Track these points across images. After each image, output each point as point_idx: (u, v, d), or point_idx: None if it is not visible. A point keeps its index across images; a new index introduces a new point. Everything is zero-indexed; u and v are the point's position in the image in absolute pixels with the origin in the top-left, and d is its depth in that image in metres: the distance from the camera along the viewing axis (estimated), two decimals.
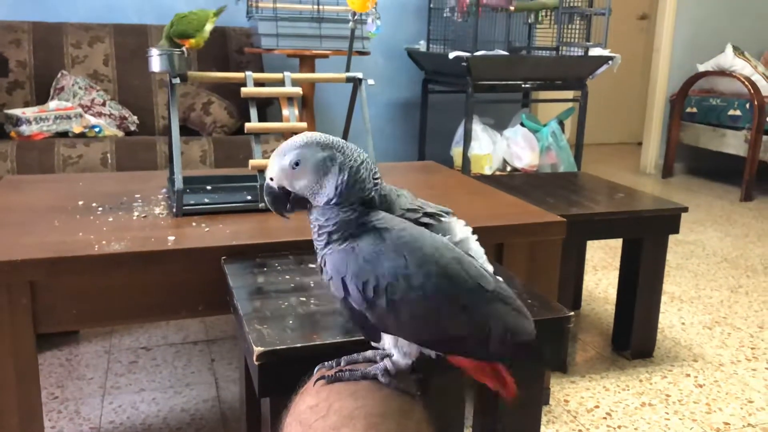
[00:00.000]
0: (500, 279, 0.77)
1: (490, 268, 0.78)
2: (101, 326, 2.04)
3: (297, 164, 0.73)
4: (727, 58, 4.30)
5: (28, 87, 2.86)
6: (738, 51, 4.32)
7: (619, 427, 1.66)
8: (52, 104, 2.65)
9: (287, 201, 0.76)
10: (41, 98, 2.83)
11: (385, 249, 0.70)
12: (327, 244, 0.74)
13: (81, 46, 2.94)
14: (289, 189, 0.75)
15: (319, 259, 0.76)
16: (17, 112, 2.58)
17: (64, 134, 2.61)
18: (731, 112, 4.22)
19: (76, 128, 2.63)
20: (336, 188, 0.72)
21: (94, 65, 2.94)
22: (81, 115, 2.66)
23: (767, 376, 1.94)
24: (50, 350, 1.96)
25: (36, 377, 1.21)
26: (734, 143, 4.19)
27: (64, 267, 1.17)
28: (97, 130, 2.68)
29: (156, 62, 1.48)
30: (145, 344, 2.03)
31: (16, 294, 1.16)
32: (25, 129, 2.54)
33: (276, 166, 0.74)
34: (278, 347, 0.89)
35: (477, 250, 0.79)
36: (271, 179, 0.75)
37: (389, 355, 0.77)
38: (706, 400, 1.79)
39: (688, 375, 1.93)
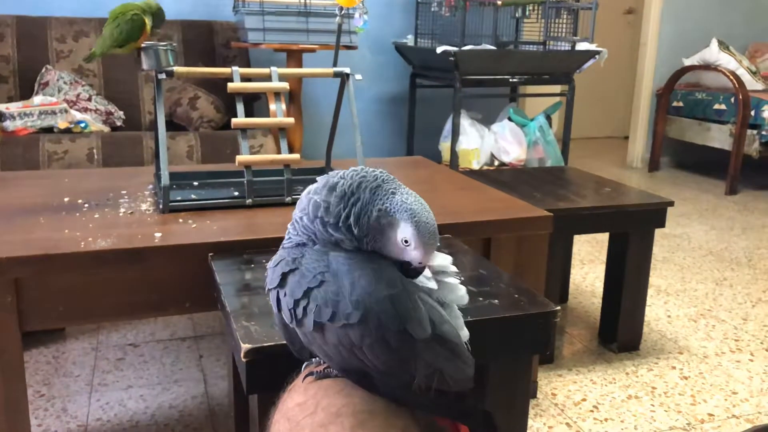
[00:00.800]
0: (449, 323, 0.72)
1: (440, 312, 0.73)
2: (88, 324, 2.03)
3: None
4: (713, 53, 4.32)
5: (12, 82, 2.83)
6: (723, 45, 4.35)
7: (606, 419, 1.68)
8: (37, 99, 2.63)
9: None
10: (25, 93, 2.80)
11: (323, 268, 0.68)
12: (286, 240, 0.74)
13: (66, 40, 2.91)
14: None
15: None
16: (1, 107, 2.56)
17: (49, 130, 2.59)
18: (716, 106, 4.25)
19: (62, 124, 2.60)
20: (338, 213, 0.69)
21: (79, 60, 2.91)
22: (66, 111, 2.64)
23: (751, 367, 1.96)
24: (36, 347, 1.95)
25: (22, 375, 1.21)
26: (719, 137, 4.22)
27: (49, 264, 1.17)
28: (82, 125, 2.65)
29: (143, 60, 1.47)
30: (132, 341, 2.02)
31: (1, 292, 1.15)
32: (9, 124, 2.52)
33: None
34: (266, 344, 0.89)
35: (460, 296, 0.76)
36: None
37: None
38: (691, 392, 1.81)
39: (674, 367, 1.95)
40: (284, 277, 0.70)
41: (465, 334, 0.75)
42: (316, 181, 0.73)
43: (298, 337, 0.73)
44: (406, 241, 0.68)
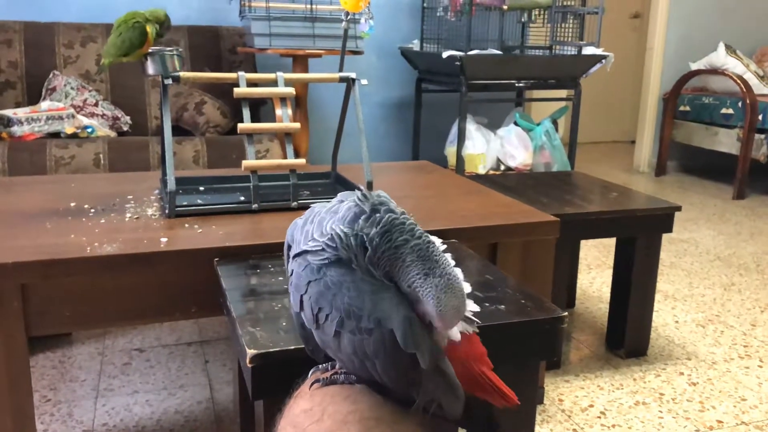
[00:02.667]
0: (446, 360, 0.75)
1: (473, 307, 0.77)
2: (94, 329, 2.04)
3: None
4: (720, 57, 4.31)
5: (20, 87, 2.84)
6: (730, 49, 4.34)
7: (614, 426, 1.67)
8: (44, 105, 2.64)
9: None
10: (33, 99, 2.82)
11: (349, 283, 0.70)
12: (306, 252, 0.74)
13: (73, 46, 2.93)
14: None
15: (289, 263, 0.77)
16: (8, 112, 2.57)
17: (56, 135, 2.60)
18: (724, 111, 4.23)
19: (69, 129, 2.61)
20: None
21: (86, 65, 2.92)
22: (73, 116, 2.65)
23: (760, 373, 1.94)
24: (43, 352, 1.95)
25: (28, 380, 1.20)
26: (727, 141, 4.20)
27: (55, 269, 1.17)
28: (89, 130, 2.66)
29: (149, 65, 1.47)
30: (138, 346, 2.02)
31: (8, 297, 1.15)
32: (16, 130, 2.53)
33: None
34: (271, 350, 0.88)
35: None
36: None
37: None
38: (700, 399, 1.80)
39: (682, 373, 1.94)
40: (309, 284, 0.73)
41: (475, 308, 0.79)
42: (352, 202, 0.73)
43: (313, 339, 0.76)
44: (429, 323, 0.71)
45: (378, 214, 0.71)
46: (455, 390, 0.75)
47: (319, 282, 0.71)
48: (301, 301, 0.74)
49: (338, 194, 0.77)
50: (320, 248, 0.72)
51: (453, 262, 0.72)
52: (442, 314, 0.69)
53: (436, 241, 0.72)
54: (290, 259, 0.77)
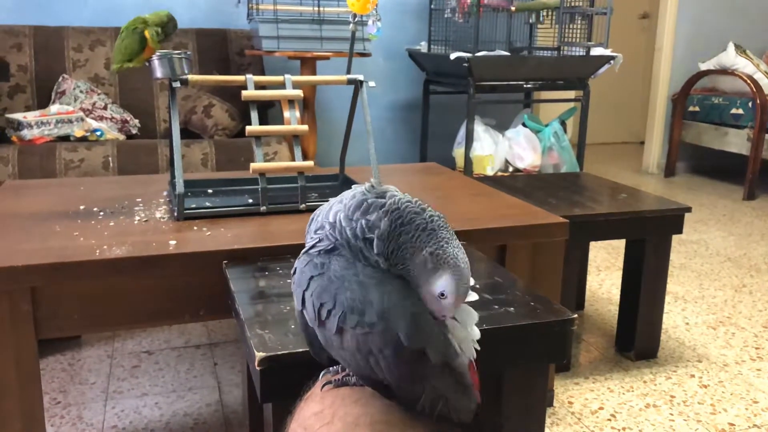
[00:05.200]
0: (461, 359, 0.73)
1: (476, 334, 0.76)
2: (103, 331, 2.04)
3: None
4: (729, 57, 4.28)
5: (30, 91, 2.86)
6: (740, 49, 4.31)
7: (624, 428, 1.65)
8: (54, 108, 2.65)
9: None
10: (43, 102, 2.83)
11: (351, 276, 0.69)
12: (311, 246, 0.74)
13: (82, 49, 2.94)
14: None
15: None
16: (18, 116, 2.58)
17: (65, 138, 2.61)
18: (734, 111, 4.20)
19: (78, 132, 2.63)
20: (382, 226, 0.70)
21: (95, 69, 2.94)
22: (82, 119, 2.66)
23: None
24: (53, 355, 1.96)
25: (38, 382, 1.21)
26: (737, 142, 4.18)
27: (65, 272, 1.17)
28: (98, 133, 2.68)
29: (158, 68, 1.47)
30: (147, 348, 2.03)
31: (18, 300, 1.15)
32: (26, 133, 2.54)
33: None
34: (280, 352, 0.88)
35: (466, 317, 0.77)
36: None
37: None
38: (711, 401, 1.79)
39: (693, 375, 1.92)
40: (311, 279, 0.71)
41: (476, 333, 0.76)
42: (358, 191, 0.72)
43: (317, 339, 0.74)
44: (443, 294, 0.69)
45: (382, 199, 0.70)
46: (467, 391, 0.73)
47: (322, 276, 0.70)
48: (303, 299, 0.72)
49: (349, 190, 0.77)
50: (321, 239, 0.72)
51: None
52: (457, 288, 0.68)
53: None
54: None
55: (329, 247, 0.72)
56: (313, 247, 0.74)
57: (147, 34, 1.44)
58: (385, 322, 0.68)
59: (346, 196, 0.73)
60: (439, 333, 0.71)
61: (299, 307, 0.74)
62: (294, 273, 0.75)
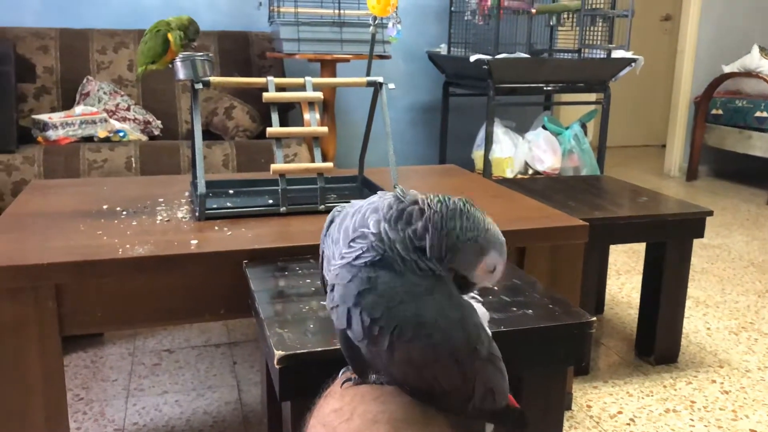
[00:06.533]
0: (493, 343, 0.79)
1: (488, 332, 0.79)
2: (125, 329, 2.07)
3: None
4: (754, 59, 4.23)
5: (55, 93, 2.90)
6: (765, 51, 4.26)
7: None
8: (78, 109, 2.69)
9: None
10: (67, 103, 2.88)
11: (402, 290, 0.69)
12: (355, 258, 0.71)
13: (106, 51, 2.98)
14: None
15: (326, 271, 0.75)
16: (44, 117, 2.63)
17: (89, 139, 2.65)
18: (758, 114, 4.15)
19: (101, 133, 2.67)
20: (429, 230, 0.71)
21: (118, 70, 2.98)
22: (106, 120, 2.70)
23: None
24: (75, 352, 1.99)
25: (61, 378, 1.23)
26: (761, 145, 4.12)
27: (88, 270, 1.19)
28: (121, 134, 2.71)
29: (180, 70, 1.49)
30: (168, 347, 2.05)
31: (43, 297, 1.18)
32: (51, 134, 2.59)
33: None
34: (299, 351, 0.89)
35: (482, 314, 0.83)
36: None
37: None
38: (732, 407, 1.77)
39: (714, 381, 1.90)
40: (359, 295, 0.69)
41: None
42: (392, 200, 0.73)
43: (360, 356, 0.73)
44: (493, 269, 0.74)
45: (417, 205, 0.72)
46: (504, 372, 0.77)
47: (372, 291, 0.69)
48: (349, 316, 0.70)
49: (369, 198, 0.76)
50: (364, 249, 0.70)
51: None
52: (504, 259, 0.75)
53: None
54: (328, 272, 0.74)
55: (376, 259, 0.70)
56: (357, 258, 0.71)
57: (170, 36, 1.46)
58: (442, 332, 0.69)
59: (381, 205, 0.72)
60: (480, 325, 0.74)
61: (343, 325, 0.71)
62: (332, 289, 0.72)
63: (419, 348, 0.69)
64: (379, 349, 0.69)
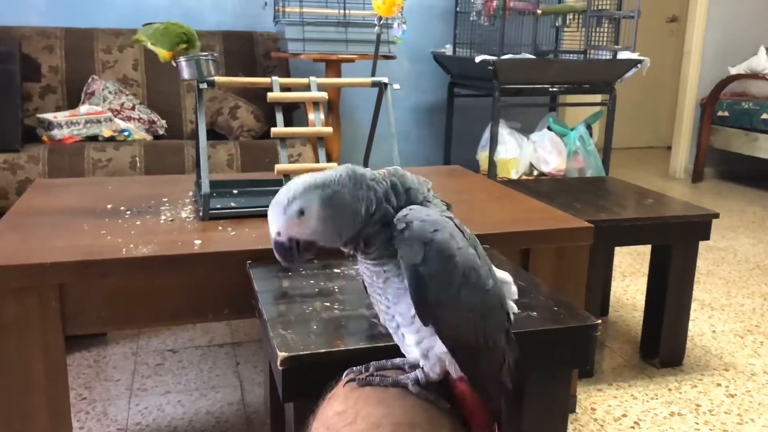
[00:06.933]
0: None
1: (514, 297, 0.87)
2: (128, 329, 2.07)
3: (302, 213, 0.71)
4: (760, 61, 4.21)
5: (60, 92, 2.91)
6: None
7: None
8: (83, 108, 2.70)
9: (297, 250, 0.74)
10: (72, 103, 2.88)
11: (461, 241, 0.75)
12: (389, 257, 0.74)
13: (111, 51, 2.99)
14: (298, 238, 0.73)
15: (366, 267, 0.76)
16: (49, 116, 2.63)
17: (94, 138, 2.65)
18: (764, 116, 4.13)
19: (106, 132, 2.67)
20: (351, 224, 0.72)
21: (123, 70, 2.98)
22: (111, 119, 2.70)
23: None
24: (79, 351, 1.99)
25: (65, 378, 1.23)
26: (767, 147, 4.10)
27: (92, 270, 1.19)
28: (126, 134, 2.71)
29: (185, 69, 1.49)
30: (171, 346, 2.05)
31: (46, 296, 1.18)
32: (56, 133, 2.59)
33: (280, 219, 0.72)
34: (302, 352, 0.89)
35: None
36: (278, 234, 0.73)
37: (419, 366, 0.76)
38: (738, 411, 1.75)
39: (719, 384, 1.89)
40: (435, 231, 0.72)
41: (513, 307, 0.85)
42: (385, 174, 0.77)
43: (427, 300, 0.72)
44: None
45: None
46: (515, 343, 0.82)
47: (443, 231, 0.72)
48: (426, 250, 0.70)
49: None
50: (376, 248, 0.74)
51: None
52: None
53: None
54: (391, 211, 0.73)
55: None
56: (424, 201, 0.76)
57: (181, 47, 1.47)
58: (496, 285, 0.77)
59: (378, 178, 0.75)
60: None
61: (416, 260, 0.70)
62: (406, 228, 0.71)
63: (481, 294, 0.74)
64: (450, 290, 0.72)
